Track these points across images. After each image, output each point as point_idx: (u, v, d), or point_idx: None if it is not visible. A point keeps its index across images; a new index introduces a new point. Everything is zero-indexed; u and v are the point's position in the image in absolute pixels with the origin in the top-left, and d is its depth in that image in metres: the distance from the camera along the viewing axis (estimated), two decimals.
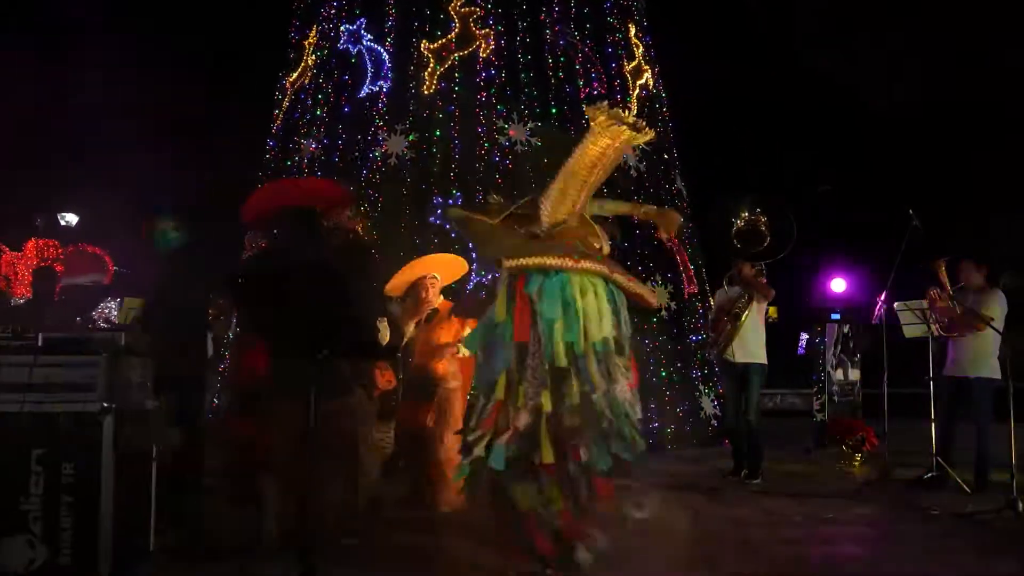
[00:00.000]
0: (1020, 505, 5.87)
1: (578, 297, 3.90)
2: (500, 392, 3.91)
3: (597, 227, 4.27)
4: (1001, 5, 14.47)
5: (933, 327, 7.32)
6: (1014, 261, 8.06)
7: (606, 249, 4.28)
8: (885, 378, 7.78)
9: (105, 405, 3.83)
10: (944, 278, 7.37)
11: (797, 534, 5.56)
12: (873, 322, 7.76)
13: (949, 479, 7.09)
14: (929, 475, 7.25)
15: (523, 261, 4.00)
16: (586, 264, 3.96)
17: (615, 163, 4.00)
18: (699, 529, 5.67)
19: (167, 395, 4.53)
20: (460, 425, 4.47)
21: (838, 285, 12.66)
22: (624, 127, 3.70)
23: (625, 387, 3.97)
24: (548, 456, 3.85)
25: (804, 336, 14.87)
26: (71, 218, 16.50)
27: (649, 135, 3.82)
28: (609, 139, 3.77)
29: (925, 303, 7.37)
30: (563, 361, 3.82)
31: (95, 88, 15.60)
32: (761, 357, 7.60)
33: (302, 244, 4.38)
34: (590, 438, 3.91)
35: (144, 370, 4.12)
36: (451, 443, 5.47)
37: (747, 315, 7.53)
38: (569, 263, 3.92)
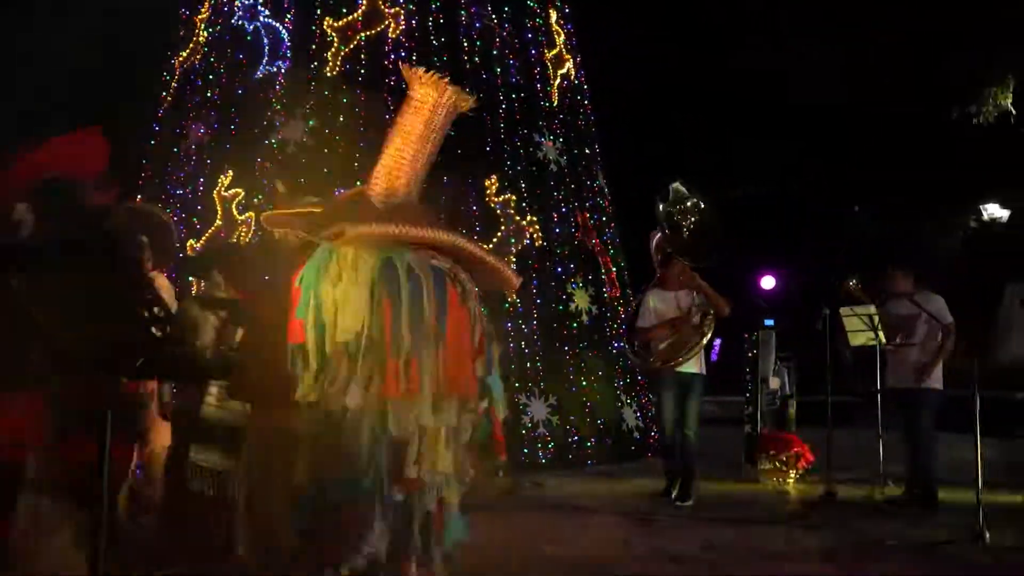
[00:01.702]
0: (987, 535, 5.25)
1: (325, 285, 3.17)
2: None
3: None
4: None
5: (883, 336, 6.76)
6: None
7: None
8: (829, 389, 7.16)
9: None
10: (862, 296, 6.99)
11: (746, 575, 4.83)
12: (816, 328, 7.13)
13: (899, 501, 6.62)
14: (885, 499, 6.70)
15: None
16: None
17: (444, 128, 3.43)
18: (634, 570, 4.89)
19: None
20: None
21: (768, 282, 12.20)
22: (445, 82, 3.34)
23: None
24: None
25: (718, 341, 14.44)
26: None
27: (470, 101, 3.41)
28: (436, 94, 3.35)
29: (872, 308, 6.81)
30: None
31: None
32: (703, 367, 6.89)
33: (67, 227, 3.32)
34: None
35: None
36: None
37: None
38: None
